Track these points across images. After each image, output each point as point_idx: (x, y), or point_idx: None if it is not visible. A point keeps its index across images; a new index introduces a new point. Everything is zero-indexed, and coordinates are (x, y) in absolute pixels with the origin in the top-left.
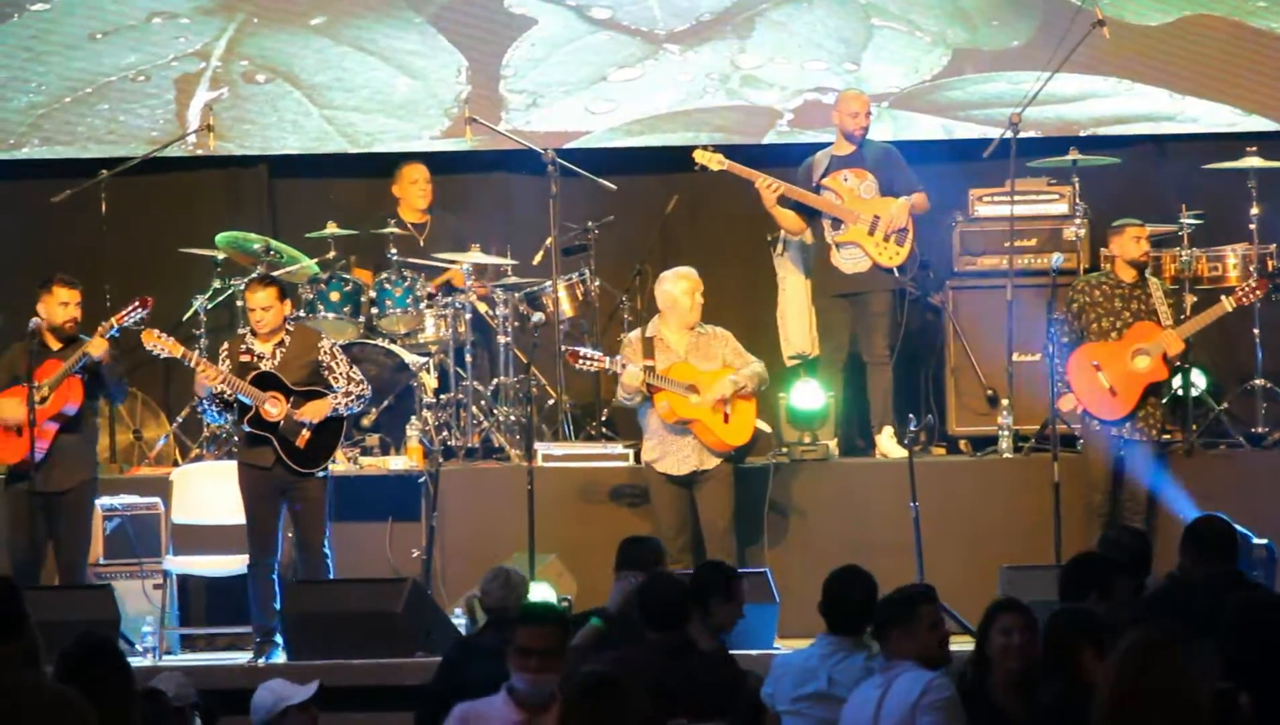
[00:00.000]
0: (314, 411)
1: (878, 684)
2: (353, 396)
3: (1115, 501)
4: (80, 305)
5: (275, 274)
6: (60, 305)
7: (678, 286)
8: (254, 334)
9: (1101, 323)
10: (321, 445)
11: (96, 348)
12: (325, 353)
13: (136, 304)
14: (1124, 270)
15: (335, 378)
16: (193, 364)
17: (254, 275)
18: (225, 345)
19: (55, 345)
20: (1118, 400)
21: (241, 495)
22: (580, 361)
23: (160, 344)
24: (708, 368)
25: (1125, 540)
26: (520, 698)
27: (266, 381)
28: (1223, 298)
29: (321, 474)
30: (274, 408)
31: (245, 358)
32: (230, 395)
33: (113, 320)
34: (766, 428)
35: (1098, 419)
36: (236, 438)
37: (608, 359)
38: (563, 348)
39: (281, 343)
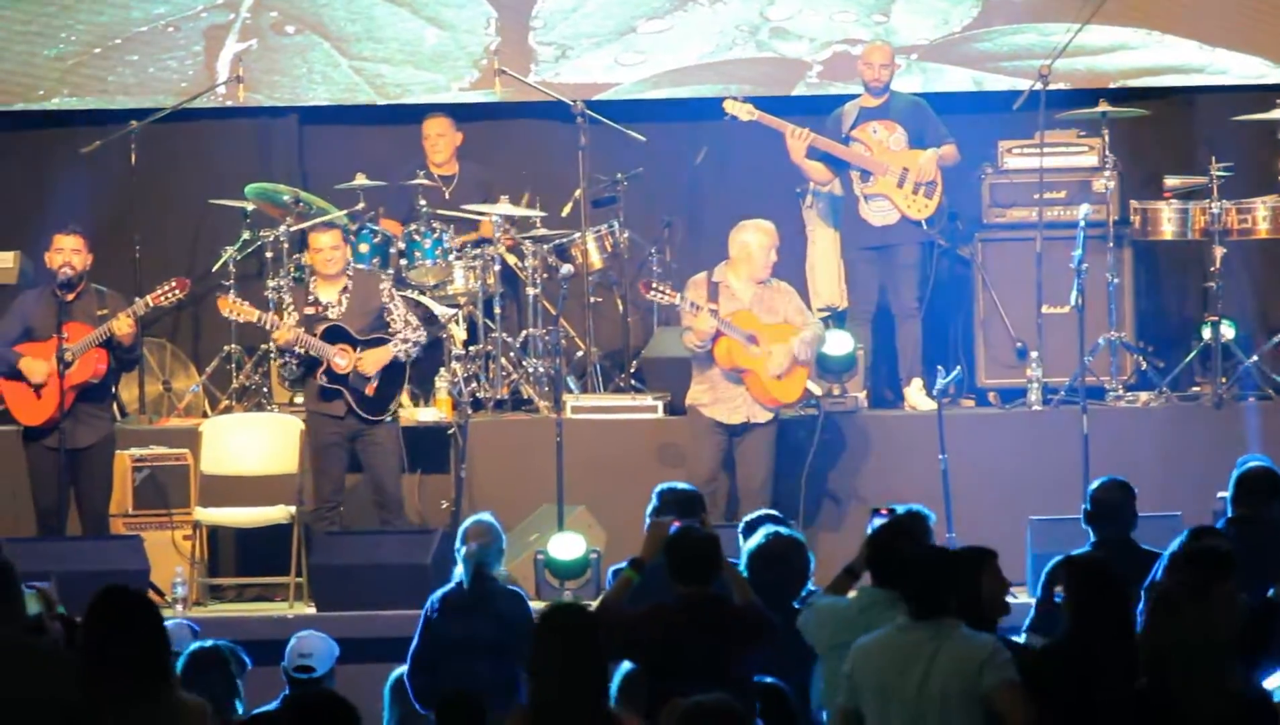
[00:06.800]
0: (373, 363)
1: (930, 637)
2: (410, 342)
3: None
4: (80, 252)
5: (304, 226)
6: (55, 252)
7: (754, 238)
8: (315, 280)
9: None
10: (388, 392)
11: (120, 327)
12: (386, 296)
13: (173, 285)
14: None
15: (394, 321)
16: (268, 326)
17: (318, 220)
18: (289, 298)
19: (68, 296)
20: None
21: (310, 442)
22: (652, 293)
23: (235, 310)
24: (769, 321)
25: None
26: None
27: (335, 334)
28: None
29: (390, 421)
30: (342, 360)
31: (311, 310)
32: (302, 350)
33: (148, 299)
34: (817, 390)
35: None
36: (303, 389)
37: (679, 296)
38: (642, 282)
39: (345, 289)
